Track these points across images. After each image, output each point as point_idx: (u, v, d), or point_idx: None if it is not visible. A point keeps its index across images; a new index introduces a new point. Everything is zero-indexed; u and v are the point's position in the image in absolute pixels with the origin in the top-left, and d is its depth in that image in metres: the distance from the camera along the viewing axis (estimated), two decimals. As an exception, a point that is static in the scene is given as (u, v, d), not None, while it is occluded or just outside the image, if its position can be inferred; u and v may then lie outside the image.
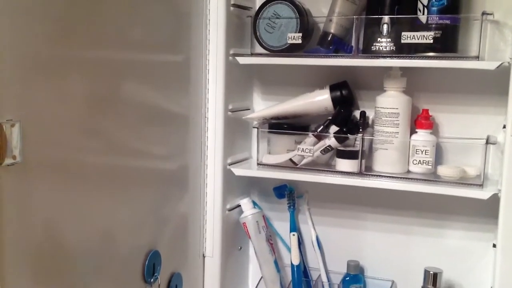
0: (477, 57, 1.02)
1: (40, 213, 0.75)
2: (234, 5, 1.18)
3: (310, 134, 1.17)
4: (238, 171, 1.21)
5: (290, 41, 1.15)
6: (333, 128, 1.16)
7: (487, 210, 1.08)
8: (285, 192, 1.28)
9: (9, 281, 0.70)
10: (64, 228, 0.80)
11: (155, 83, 1.02)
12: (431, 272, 1.10)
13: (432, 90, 1.17)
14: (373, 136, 1.14)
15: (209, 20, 1.15)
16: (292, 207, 1.28)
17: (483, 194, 1.02)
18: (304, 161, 1.17)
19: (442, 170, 1.08)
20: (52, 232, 0.78)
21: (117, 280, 0.92)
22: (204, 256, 1.22)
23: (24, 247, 0.73)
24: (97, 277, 0.87)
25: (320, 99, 1.19)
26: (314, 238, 1.28)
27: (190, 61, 1.13)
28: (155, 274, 1.01)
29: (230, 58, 1.18)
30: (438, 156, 1.15)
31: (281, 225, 1.32)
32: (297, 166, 1.18)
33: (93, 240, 0.87)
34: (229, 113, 1.20)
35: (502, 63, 0.98)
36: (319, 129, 1.17)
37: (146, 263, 0.99)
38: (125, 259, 0.95)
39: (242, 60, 1.18)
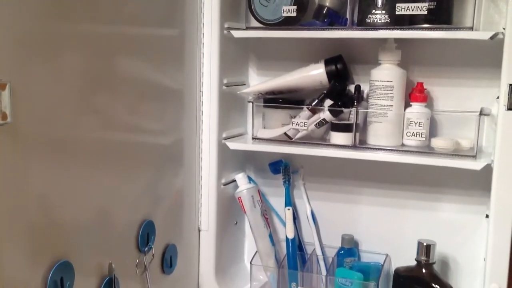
0: (471, 28, 1.02)
1: (34, 186, 0.75)
2: (229, -22, 1.18)
3: (305, 108, 1.18)
4: (232, 145, 1.21)
5: (285, 14, 1.15)
6: (328, 102, 1.16)
7: (481, 183, 1.08)
8: (281, 167, 1.28)
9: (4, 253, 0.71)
10: (58, 201, 0.80)
11: (150, 58, 1.02)
12: (424, 244, 1.11)
13: (427, 63, 1.17)
14: (367, 110, 1.14)
15: (204, -7, 1.15)
16: (287, 182, 1.28)
17: (476, 164, 1.02)
18: (299, 135, 1.18)
19: (436, 142, 1.09)
20: (46, 205, 0.78)
21: (111, 250, 0.93)
22: (199, 230, 1.22)
23: (17, 218, 0.73)
24: (91, 247, 0.88)
25: (315, 73, 1.19)
26: (309, 213, 1.28)
27: (184, 35, 1.13)
28: (149, 244, 1.01)
29: (225, 31, 1.18)
30: (433, 130, 1.15)
31: (277, 201, 1.32)
32: (292, 140, 1.18)
33: (88, 213, 0.87)
34: (224, 87, 1.20)
35: (495, 33, 0.98)
36: (313, 103, 1.17)
37: (140, 232, 0.99)
38: (119, 230, 0.96)
39: (236, 34, 1.18)
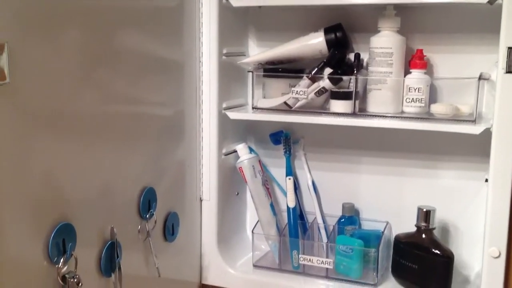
0: (470, -7, 1.02)
1: (35, 152, 0.76)
2: None
3: (305, 76, 1.18)
4: (233, 114, 1.22)
5: (283, -17, 1.15)
6: (327, 71, 1.16)
7: (481, 149, 1.08)
8: (281, 138, 1.29)
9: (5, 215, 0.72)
10: (59, 168, 0.81)
11: (149, 29, 1.02)
12: (424, 210, 1.11)
13: (426, 30, 1.16)
14: (367, 76, 1.14)
15: (201, -39, 1.15)
16: (288, 152, 1.29)
17: (476, 129, 1.02)
18: (299, 103, 1.18)
19: (435, 108, 1.09)
20: (47, 171, 0.79)
21: (113, 215, 0.93)
22: (201, 200, 1.23)
23: (18, 183, 0.74)
24: (93, 212, 0.89)
25: (314, 42, 1.19)
26: (310, 183, 1.29)
27: (183, 5, 1.13)
28: (151, 210, 1.02)
29: (224, 1, 1.18)
30: (433, 97, 1.15)
31: (278, 171, 1.33)
32: (292, 109, 1.19)
33: (89, 181, 0.88)
34: (224, 57, 1.21)
35: (494, -4, 0.98)
36: (313, 72, 1.17)
37: (141, 199, 1.00)
38: (121, 197, 0.96)
39: (235, 3, 1.18)
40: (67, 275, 0.80)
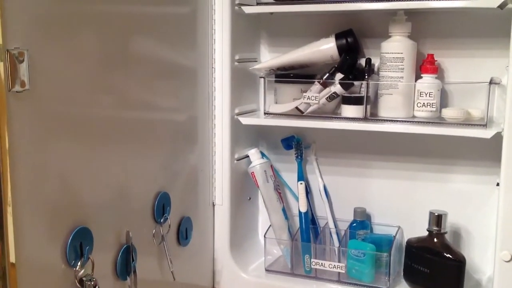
0: (479, -2, 1.03)
1: (53, 157, 0.78)
2: (239, -45, 1.19)
3: (316, 81, 1.19)
4: (245, 120, 1.23)
5: (294, -11, 1.16)
6: (339, 76, 1.17)
7: (492, 153, 1.09)
8: (293, 143, 1.30)
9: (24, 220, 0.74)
10: (76, 173, 0.82)
11: (163, 36, 1.04)
12: (435, 214, 1.12)
13: (437, 35, 1.17)
14: (378, 81, 1.15)
15: (214, -31, 1.17)
16: (299, 157, 1.30)
17: (487, 133, 1.02)
18: (310, 108, 1.19)
19: (447, 112, 1.09)
20: (65, 176, 0.80)
21: (129, 219, 0.95)
22: (214, 205, 1.25)
23: (37, 187, 0.75)
24: (109, 216, 0.90)
25: (325, 48, 1.20)
26: (321, 187, 1.30)
27: (196, 12, 1.15)
28: (165, 215, 1.04)
29: (236, 8, 1.19)
30: (444, 102, 1.16)
31: (290, 176, 1.34)
32: (303, 114, 1.20)
33: (105, 185, 0.89)
34: (236, 63, 1.22)
35: (504, 1, 0.98)
36: (324, 77, 1.18)
37: (156, 203, 1.01)
38: (136, 202, 0.98)
39: (247, 10, 1.19)
40: (84, 278, 0.81)
